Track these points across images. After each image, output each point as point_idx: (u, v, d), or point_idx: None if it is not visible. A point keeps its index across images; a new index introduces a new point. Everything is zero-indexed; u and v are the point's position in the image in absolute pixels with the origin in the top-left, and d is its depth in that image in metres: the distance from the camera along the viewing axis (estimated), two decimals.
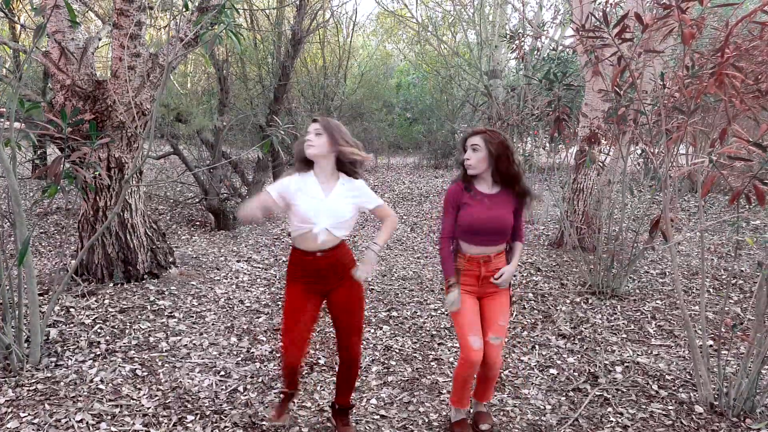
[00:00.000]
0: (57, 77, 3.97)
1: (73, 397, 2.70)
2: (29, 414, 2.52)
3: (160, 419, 2.55)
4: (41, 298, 3.88)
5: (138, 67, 4.08)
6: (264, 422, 2.57)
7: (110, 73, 4.15)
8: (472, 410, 2.63)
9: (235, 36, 2.44)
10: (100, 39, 4.22)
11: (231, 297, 4.31)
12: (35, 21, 4.38)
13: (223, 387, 2.90)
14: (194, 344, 3.42)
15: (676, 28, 2.62)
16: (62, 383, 2.82)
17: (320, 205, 2.18)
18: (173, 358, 3.21)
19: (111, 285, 4.33)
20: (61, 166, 2.69)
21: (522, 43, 7.93)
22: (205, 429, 2.49)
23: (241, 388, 2.90)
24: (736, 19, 2.65)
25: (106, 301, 3.99)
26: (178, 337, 3.50)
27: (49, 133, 2.77)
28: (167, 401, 2.71)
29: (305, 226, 2.19)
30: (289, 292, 2.31)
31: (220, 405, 2.71)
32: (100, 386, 2.82)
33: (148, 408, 2.64)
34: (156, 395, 2.77)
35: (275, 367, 3.14)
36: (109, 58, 4.25)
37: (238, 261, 5.39)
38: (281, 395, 2.56)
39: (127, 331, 3.53)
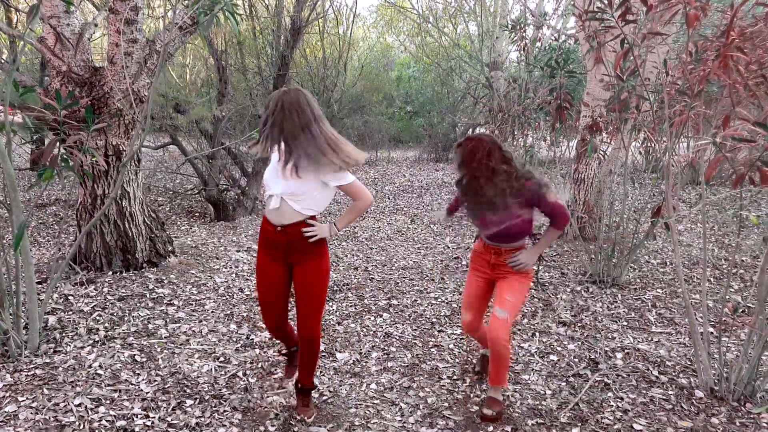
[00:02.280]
0: (53, 63, 3.93)
1: (72, 381, 2.68)
2: (27, 398, 2.51)
3: (159, 403, 2.54)
4: (39, 286, 3.86)
5: (135, 54, 4.05)
6: (264, 405, 2.56)
7: (107, 59, 4.11)
8: (486, 394, 2.63)
9: (233, 16, 2.41)
10: (96, 25, 4.18)
11: (231, 285, 4.30)
12: (29, 2, 4.34)
13: (223, 372, 2.89)
14: (193, 331, 3.41)
15: (681, 10, 2.59)
16: (60, 369, 2.81)
17: (276, 172, 2.21)
18: (172, 345, 3.19)
19: (110, 273, 4.31)
20: (57, 149, 2.67)
21: (523, 33, 7.88)
22: (204, 413, 2.48)
23: (240, 374, 2.88)
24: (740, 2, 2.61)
25: (105, 289, 3.97)
26: (177, 324, 3.48)
27: (44, 116, 2.74)
28: (166, 386, 2.70)
29: (266, 193, 2.26)
30: (257, 259, 2.42)
31: (220, 390, 2.70)
32: (99, 371, 2.81)
33: (147, 392, 2.63)
34: (155, 380, 2.76)
35: (275, 354, 3.12)
36: (106, 48, 4.22)
37: (237, 251, 5.38)
38: (284, 356, 2.83)
39: (126, 319, 3.51)
